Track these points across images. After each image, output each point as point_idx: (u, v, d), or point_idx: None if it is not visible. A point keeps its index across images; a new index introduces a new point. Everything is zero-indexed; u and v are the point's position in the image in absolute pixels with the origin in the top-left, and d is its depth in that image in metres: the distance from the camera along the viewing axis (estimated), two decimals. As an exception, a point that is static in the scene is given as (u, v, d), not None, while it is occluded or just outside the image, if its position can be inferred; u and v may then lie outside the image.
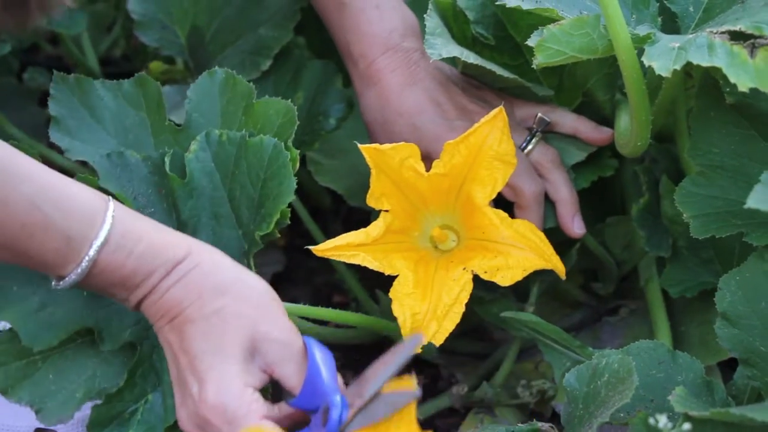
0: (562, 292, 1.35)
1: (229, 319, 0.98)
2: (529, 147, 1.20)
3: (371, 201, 1.15)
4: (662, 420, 0.90)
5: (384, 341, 1.27)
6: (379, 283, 1.26)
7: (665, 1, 1.13)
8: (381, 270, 1.14)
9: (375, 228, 1.14)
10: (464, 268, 1.14)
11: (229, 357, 0.98)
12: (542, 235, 1.13)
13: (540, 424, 1.06)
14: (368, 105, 1.23)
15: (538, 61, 1.06)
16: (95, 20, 1.77)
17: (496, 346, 1.36)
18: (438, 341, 1.11)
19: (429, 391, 1.34)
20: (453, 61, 1.21)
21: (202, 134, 1.16)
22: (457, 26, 1.23)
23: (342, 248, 1.13)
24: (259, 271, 1.49)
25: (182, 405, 1.00)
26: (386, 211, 1.15)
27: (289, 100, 1.18)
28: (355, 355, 1.37)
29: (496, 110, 1.11)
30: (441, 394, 1.31)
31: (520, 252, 1.12)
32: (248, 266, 1.13)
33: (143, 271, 0.98)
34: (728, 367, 1.19)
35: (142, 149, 1.19)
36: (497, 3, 1.12)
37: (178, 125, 1.20)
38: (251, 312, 1.00)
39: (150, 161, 1.17)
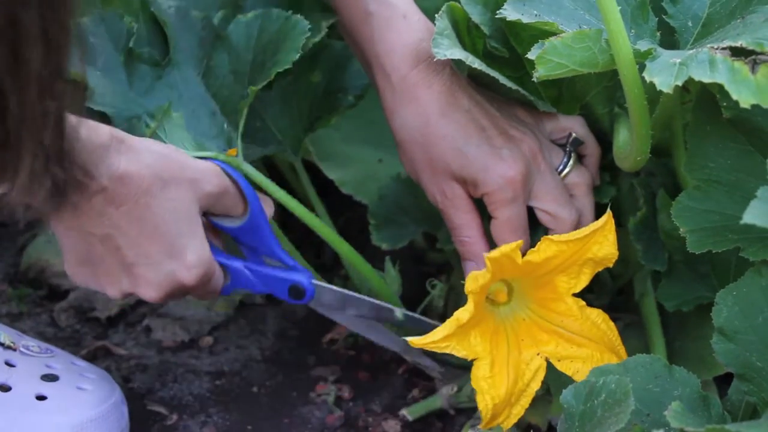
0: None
1: (183, 192, 1.10)
2: (566, 170, 1.21)
3: (470, 292, 1.09)
4: (659, 435, 0.89)
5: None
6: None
7: (664, 16, 1.13)
8: (467, 357, 1.11)
9: (464, 313, 1.09)
10: (538, 354, 1.13)
11: (195, 223, 1.12)
12: (613, 325, 1.14)
13: (537, 437, 1.06)
14: (405, 124, 1.20)
15: (539, 73, 1.06)
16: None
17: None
18: (506, 426, 1.13)
19: (420, 394, 1.35)
20: (458, 65, 1.21)
21: None
22: (469, 39, 1.23)
23: (441, 342, 1.09)
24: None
25: (154, 279, 1.11)
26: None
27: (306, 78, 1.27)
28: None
29: (605, 218, 1.10)
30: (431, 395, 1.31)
31: (593, 345, 1.14)
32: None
33: None
34: (724, 381, 1.18)
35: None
36: (497, 16, 1.12)
37: None
38: (194, 177, 1.12)
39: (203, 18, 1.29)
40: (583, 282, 1.13)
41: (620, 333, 1.31)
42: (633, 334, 1.30)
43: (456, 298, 1.36)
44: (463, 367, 1.37)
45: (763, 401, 1.01)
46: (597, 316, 1.13)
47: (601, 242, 1.10)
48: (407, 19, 1.20)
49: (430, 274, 1.42)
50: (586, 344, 1.13)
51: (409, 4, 1.22)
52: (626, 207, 1.29)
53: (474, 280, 1.08)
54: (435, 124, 1.17)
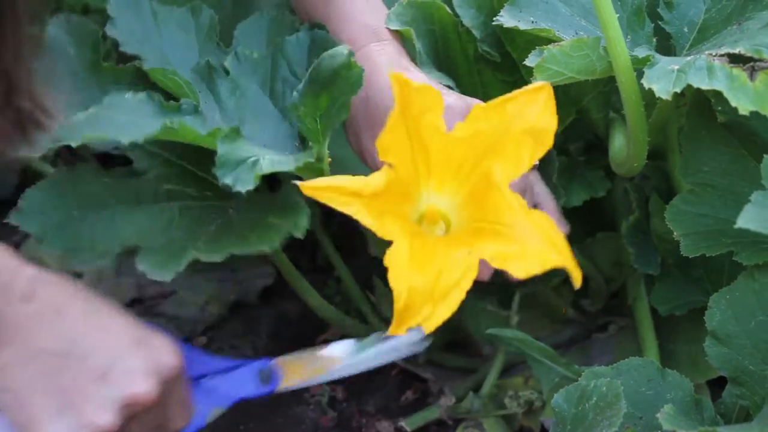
0: (552, 308, 1.35)
1: None
2: None
3: (380, 145, 0.96)
4: (651, 438, 0.90)
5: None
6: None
7: (659, 22, 1.14)
8: (375, 229, 0.96)
9: (375, 178, 0.96)
10: (469, 251, 0.97)
11: None
12: (560, 231, 0.98)
13: (529, 440, 1.07)
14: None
15: (538, 81, 1.06)
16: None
17: (486, 361, 1.37)
18: (429, 328, 0.97)
19: (419, 406, 1.34)
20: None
21: (231, 54, 1.21)
22: (460, 44, 1.24)
23: (335, 190, 0.95)
24: (249, 284, 1.51)
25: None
26: (390, 166, 0.98)
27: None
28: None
29: (539, 83, 0.98)
30: (429, 407, 1.31)
31: (538, 243, 0.96)
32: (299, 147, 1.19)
33: None
34: (717, 385, 1.19)
35: (188, 65, 1.23)
36: (494, 23, 1.12)
37: (226, 50, 1.24)
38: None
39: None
40: (525, 165, 0.98)
41: (614, 336, 1.32)
42: (626, 338, 1.31)
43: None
44: (459, 369, 1.37)
45: (756, 405, 1.02)
46: (542, 218, 0.97)
47: (535, 107, 0.97)
48: (370, 3, 1.21)
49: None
50: (531, 244, 0.96)
51: None
52: (619, 211, 1.29)
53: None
54: (382, 77, 1.12)
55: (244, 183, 1.03)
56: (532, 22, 1.10)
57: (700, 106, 1.12)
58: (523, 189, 1.10)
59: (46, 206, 1.14)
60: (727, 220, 1.08)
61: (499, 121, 0.97)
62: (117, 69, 1.23)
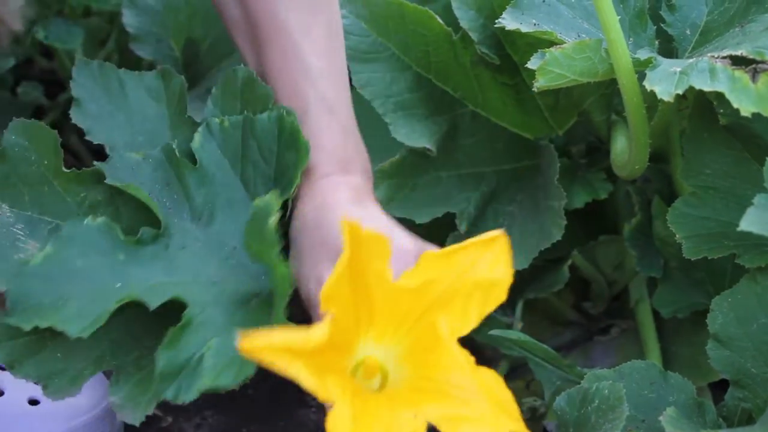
0: (553, 311, 1.35)
1: None
2: None
3: (325, 296, 0.86)
4: (654, 441, 0.90)
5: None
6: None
7: (662, 24, 1.14)
8: (317, 390, 0.84)
9: (317, 332, 0.84)
10: (415, 414, 0.88)
11: None
12: (509, 392, 0.90)
13: (532, 443, 1.06)
14: (306, 211, 1.08)
15: (540, 84, 1.06)
16: (89, 34, 1.77)
17: (488, 364, 1.36)
18: None
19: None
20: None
21: (202, 125, 1.14)
22: (454, 53, 1.24)
23: (277, 349, 0.83)
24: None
25: None
26: (331, 316, 0.87)
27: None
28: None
29: (495, 232, 0.88)
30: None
31: (486, 406, 0.87)
32: None
33: None
34: (719, 388, 1.19)
35: (158, 141, 1.17)
36: (496, 25, 1.12)
37: (196, 122, 1.17)
38: None
39: (151, 159, 1.13)
40: (471, 322, 0.90)
41: (616, 339, 1.32)
42: (628, 341, 1.31)
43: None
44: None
45: (758, 408, 1.02)
46: (490, 377, 0.91)
47: (488, 258, 0.88)
48: (345, 134, 1.12)
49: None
50: (478, 406, 0.88)
51: (341, 97, 1.14)
52: (621, 214, 1.29)
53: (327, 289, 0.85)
54: (341, 208, 1.05)
55: (185, 395, 1.00)
56: (534, 24, 1.10)
57: (702, 109, 1.12)
58: None
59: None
60: (730, 222, 1.08)
61: (449, 272, 0.88)
62: (78, 174, 1.13)
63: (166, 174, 1.13)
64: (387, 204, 1.28)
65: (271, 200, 1.00)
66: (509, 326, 1.28)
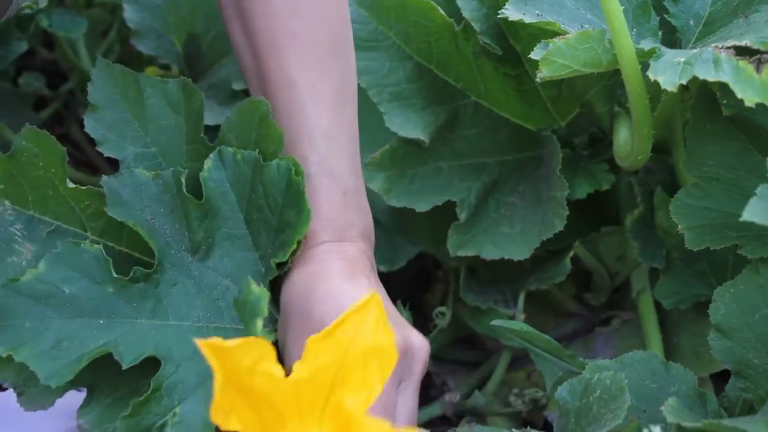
0: (555, 302, 1.35)
1: None
2: None
3: (217, 418, 0.84)
4: (656, 430, 0.90)
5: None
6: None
7: (665, 15, 1.14)
8: None
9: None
10: None
11: None
12: None
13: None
14: (296, 280, 1.08)
15: (543, 74, 1.06)
16: (91, 25, 1.77)
17: (489, 355, 1.37)
18: None
19: (421, 399, 1.33)
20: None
21: (214, 152, 1.12)
22: (456, 44, 1.24)
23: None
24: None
25: None
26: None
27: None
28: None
29: (367, 295, 0.86)
30: (433, 401, 1.31)
31: None
32: (266, 290, 1.10)
33: None
34: (721, 379, 1.19)
35: (171, 154, 1.16)
36: (499, 16, 1.12)
37: (211, 143, 1.15)
38: None
39: (161, 180, 1.12)
40: (377, 388, 0.85)
41: (618, 330, 1.32)
42: (630, 332, 1.31)
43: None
44: (462, 363, 1.37)
45: (760, 398, 1.02)
46: None
47: (368, 325, 0.85)
48: (346, 196, 1.11)
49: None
50: None
51: (352, 179, 1.13)
52: (623, 205, 1.29)
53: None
54: (329, 283, 1.05)
55: None
56: (538, 15, 1.10)
57: (706, 100, 1.12)
58: (383, 410, 1.02)
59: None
60: (732, 213, 1.08)
61: (336, 350, 0.86)
62: (84, 190, 1.13)
63: (173, 200, 1.12)
64: (386, 194, 1.28)
65: (262, 295, 0.98)
66: (511, 318, 1.28)
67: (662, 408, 0.96)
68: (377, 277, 1.12)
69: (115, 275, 1.07)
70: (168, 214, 1.12)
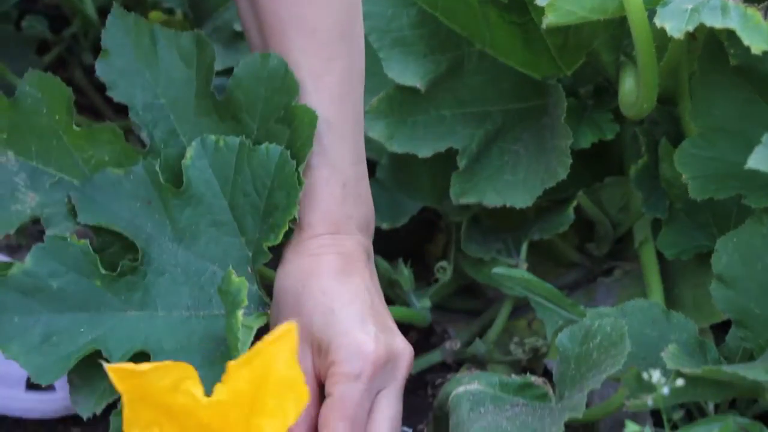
0: (557, 252, 1.35)
1: None
2: None
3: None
4: (656, 375, 0.90)
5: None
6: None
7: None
8: None
9: None
10: None
11: None
12: None
13: (533, 378, 1.07)
14: (290, 271, 1.08)
15: (549, 20, 1.06)
16: (95, -32, 1.76)
17: (490, 304, 1.37)
18: None
19: (421, 347, 1.34)
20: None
21: (197, 140, 1.11)
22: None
23: None
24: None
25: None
26: None
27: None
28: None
29: (284, 326, 0.86)
30: (433, 349, 1.31)
31: None
32: (252, 275, 1.11)
33: None
34: (721, 330, 1.19)
35: (180, 107, 1.15)
36: None
37: (218, 100, 1.14)
38: None
39: (132, 175, 1.12)
40: (291, 417, 0.86)
41: (619, 280, 1.32)
42: (631, 282, 1.31)
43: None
44: (463, 311, 1.38)
45: (759, 347, 1.02)
46: None
47: (282, 357, 0.86)
48: (346, 188, 1.10)
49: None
50: None
51: (353, 168, 1.12)
52: (628, 155, 1.29)
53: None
54: (322, 280, 1.06)
55: None
56: None
57: (712, 50, 1.11)
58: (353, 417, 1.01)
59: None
60: (737, 163, 1.07)
61: (252, 377, 0.88)
62: (88, 132, 1.14)
63: (148, 192, 1.12)
64: (388, 141, 1.28)
65: (241, 286, 1.00)
66: (512, 267, 1.27)
67: (662, 354, 0.96)
68: (373, 268, 1.12)
69: (102, 270, 1.07)
70: (144, 207, 1.11)
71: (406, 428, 1.07)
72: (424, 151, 1.28)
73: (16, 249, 1.48)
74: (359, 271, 1.08)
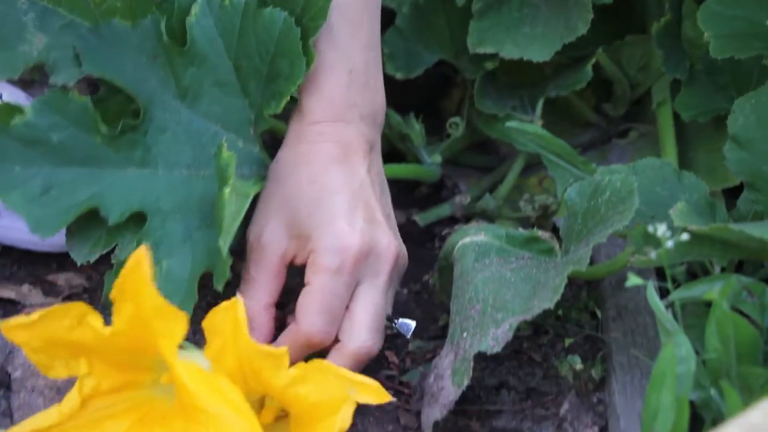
0: (573, 112, 1.33)
1: None
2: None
3: (45, 372, 0.93)
4: (661, 228, 0.89)
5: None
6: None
7: None
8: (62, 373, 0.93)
9: (69, 402, 0.92)
10: None
11: None
12: (245, 405, 0.85)
13: (540, 232, 1.06)
14: (285, 156, 1.07)
15: None
16: None
17: (502, 160, 1.36)
18: None
19: (431, 200, 1.34)
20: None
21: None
22: None
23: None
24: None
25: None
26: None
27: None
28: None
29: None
30: (443, 203, 1.31)
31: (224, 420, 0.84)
32: (254, 137, 1.10)
33: None
34: (732, 196, 1.18)
35: None
36: None
37: None
38: None
39: (140, 29, 1.09)
40: (177, 335, 0.86)
41: (634, 142, 1.31)
42: (646, 145, 1.30)
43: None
44: (474, 167, 1.37)
45: (770, 210, 1.01)
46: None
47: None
48: (351, 75, 1.07)
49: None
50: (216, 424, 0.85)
51: (363, 54, 1.09)
52: (650, 13, 1.26)
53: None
54: (313, 167, 1.05)
55: None
56: None
57: None
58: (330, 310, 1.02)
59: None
60: (761, 23, 1.06)
61: (133, 310, 0.89)
62: None
63: (154, 48, 1.09)
64: None
65: (230, 161, 0.99)
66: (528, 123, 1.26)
67: (671, 211, 0.95)
68: (377, 160, 1.11)
69: (103, 128, 1.06)
70: (148, 62, 1.09)
71: (408, 320, 1.07)
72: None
73: (29, 83, 1.47)
74: (356, 162, 1.06)
